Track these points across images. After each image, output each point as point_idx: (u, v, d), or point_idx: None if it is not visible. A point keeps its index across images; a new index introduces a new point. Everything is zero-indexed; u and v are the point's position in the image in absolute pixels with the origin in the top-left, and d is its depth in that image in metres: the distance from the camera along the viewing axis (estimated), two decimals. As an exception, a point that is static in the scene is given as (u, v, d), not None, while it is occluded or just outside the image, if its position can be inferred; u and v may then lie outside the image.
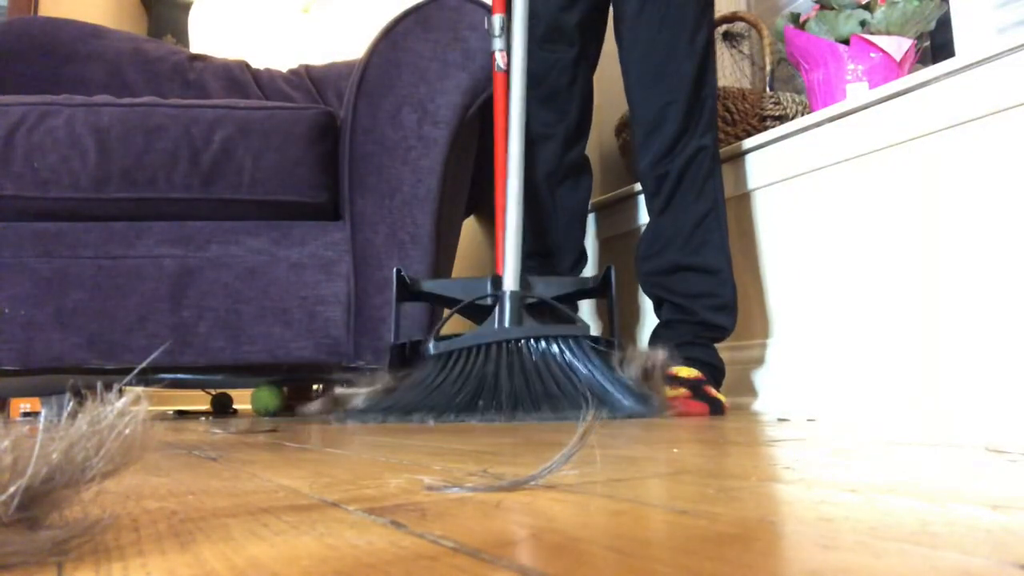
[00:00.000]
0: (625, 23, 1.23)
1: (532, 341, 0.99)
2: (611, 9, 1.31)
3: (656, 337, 1.22)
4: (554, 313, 1.11)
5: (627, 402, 0.91)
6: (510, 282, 1.05)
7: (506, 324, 1.03)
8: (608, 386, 0.94)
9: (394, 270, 1.18)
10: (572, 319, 1.07)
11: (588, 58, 1.34)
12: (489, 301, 1.11)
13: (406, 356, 1.11)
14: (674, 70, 1.17)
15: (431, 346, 0.99)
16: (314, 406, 1.16)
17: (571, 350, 0.98)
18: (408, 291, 1.18)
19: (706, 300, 1.17)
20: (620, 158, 1.68)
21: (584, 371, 0.96)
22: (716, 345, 1.19)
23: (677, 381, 1.12)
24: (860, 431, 0.68)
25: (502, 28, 1.26)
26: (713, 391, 1.11)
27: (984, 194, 0.98)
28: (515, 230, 1.08)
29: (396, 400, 0.96)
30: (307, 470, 0.42)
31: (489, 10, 1.30)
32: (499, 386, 0.94)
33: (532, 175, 1.31)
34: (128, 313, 1.22)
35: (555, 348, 0.99)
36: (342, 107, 1.38)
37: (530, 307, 1.08)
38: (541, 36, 1.28)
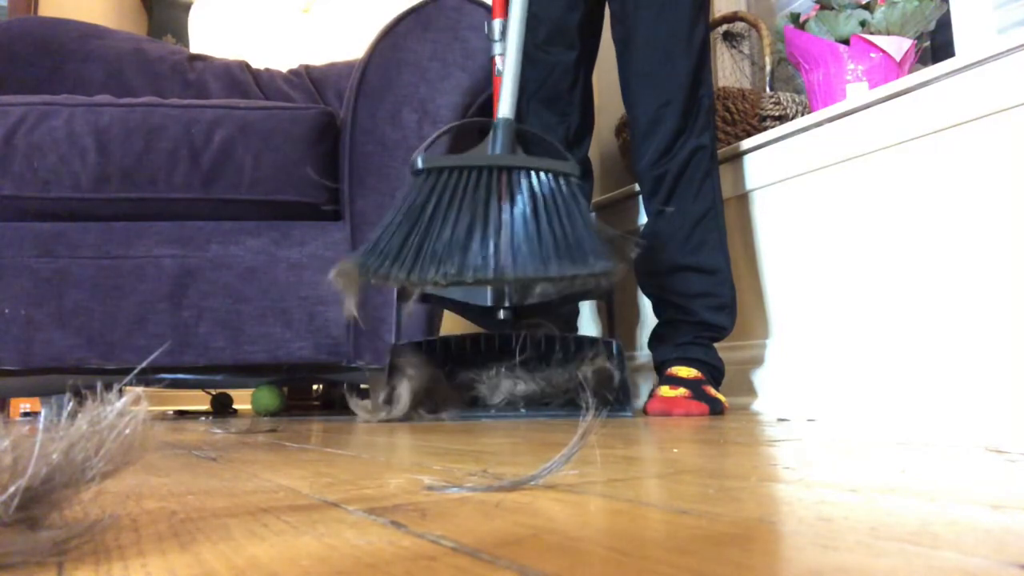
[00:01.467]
0: (621, 23, 1.23)
1: (523, 173, 0.94)
2: (607, 9, 1.31)
3: (655, 337, 1.22)
4: (550, 148, 1.06)
5: (596, 260, 0.88)
6: (506, 110, 1.01)
7: (498, 151, 0.98)
8: (584, 235, 0.90)
9: None
10: (563, 155, 1.02)
11: (587, 59, 1.34)
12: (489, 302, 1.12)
13: (408, 356, 1.11)
14: (670, 70, 1.17)
15: (419, 159, 0.94)
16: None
17: (558, 187, 0.94)
18: (409, 292, 1.18)
19: (705, 300, 1.17)
20: (620, 158, 1.68)
21: (566, 214, 0.92)
22: (715, 345, 1.19)
23: (677, 381, 1.12)
24: (860, 431, 0.68)
25: (502, 32, 1.26)
26: (713, 391, 1.11)
27: (984, 194, 0.98)
28: (514, 61, 1.03)
29: (394, 243, 0.90)
30: (307, 470, 0.42)
31: (489, 11, 1.31)
32: (488, 224, 0.89)
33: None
34: (128, 313, 1.22)
35: (543, 184, 0.94)
36: (342, 107, 1.38)
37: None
38: (543, 39, 1.28)
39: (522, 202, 0.91)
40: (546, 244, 0.88)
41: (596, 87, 1.43)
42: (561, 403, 1.10)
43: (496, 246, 0.87)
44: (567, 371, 1.10)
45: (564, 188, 0.95)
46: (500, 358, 1.12)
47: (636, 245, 1.02)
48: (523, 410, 1.07)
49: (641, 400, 1.14)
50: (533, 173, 0.94)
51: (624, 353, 1.07)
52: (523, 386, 1.09)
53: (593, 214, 0.99)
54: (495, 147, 0.98)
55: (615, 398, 1.04)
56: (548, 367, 1.11)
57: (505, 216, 0.90)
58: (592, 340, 1.12)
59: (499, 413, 1.06)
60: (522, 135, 1.01)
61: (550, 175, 0.94)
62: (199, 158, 1.24)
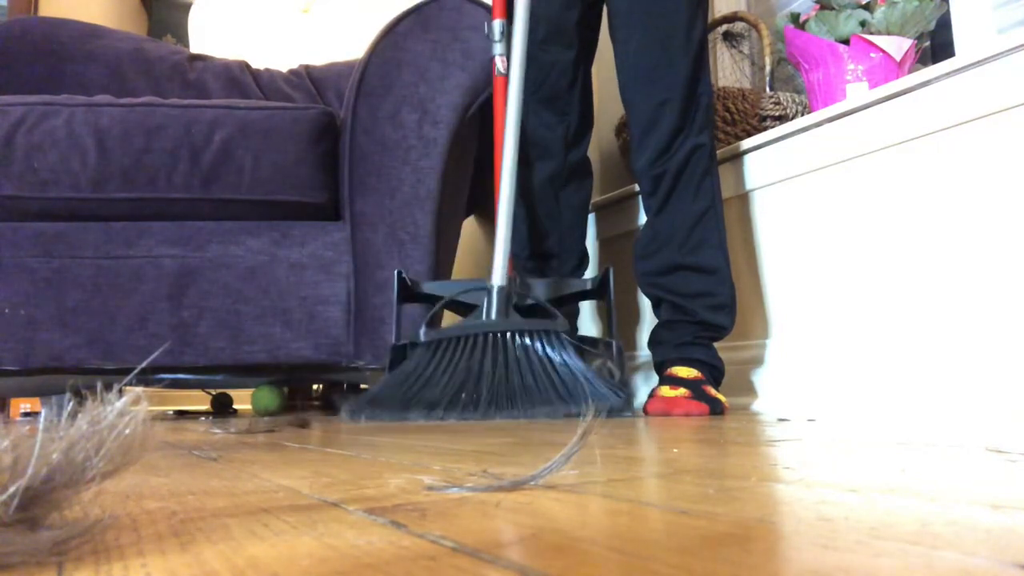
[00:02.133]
0: (619, 20, 1.22)
1: (515, 334, 1.05)
2: (605, 8, 1.31)
3: (655, 337, 1.22)
4: (542, 311, 1.16)
5: (601, 393, 0.98)
6: (497, 278, 1.10)
7: (492, 317, 1.08)
8: (580, 379, 1.00)
9: (395, 272, 1.18)
10: (553, 315, 1.11)
11: (586, 58, 1.34)
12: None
13: (407, 356, 1.11)
14: (669, 68, 1.17)
15: (422, 333, 1.06)
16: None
17: (550, 344, 1.04)
18: (409, 292, 1.18)
19: (705, 299, 1.17)
20: (620, 158, 1.68)
21: (560, 364, 1.02)
22: (715, 345, 1.19)
23: (677, 381, 1.12)
24: (860, 431, 0.68)
25: (502, 33, 1.27)
26: (713, 391, 1.11)
27: (984, 194, 0.98)
28: (504, 227, 1.12)
29: (389, 394, 1.01)
30: (307, 470, 0.42)
31: (489, 11, 1.31)
32: (482, 378, 1.00)
33: (534, 178, 1.31)
34: (128, 313, 1.22)
35: (536, 342, 1.04)
36: (342, 107, 1.38)
37: (521, 306, 1.13)
38: (542, 38, 1.28)
39: (516, 358, 1.02)
40: (541, 390, 0.98)
41: (596, 87, 1.43)
42: (563, 403, 1.10)
43: (487, 392, 0.98)
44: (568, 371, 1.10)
45: (555, 343, 1.04)
46: (500, 358, 1.12)
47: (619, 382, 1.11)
48: (524, 411, 1.07)
49: (641, 400, 1.14)
50: (525, 334, 1.05)
51: (624, 353, 1.07)
52: (522, 386, 1.09)
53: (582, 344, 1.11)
54: (489, 313, 1.08)
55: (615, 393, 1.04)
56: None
57: (499, 370, 1.00)
58: (592, 340, 1.12)
59: (497, 412, 1.06)
60: (513, 297, 1.12)
61: (541, 334, 1.05)
62: (199, 158, 1.24)
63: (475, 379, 1.00)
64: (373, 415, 0.99)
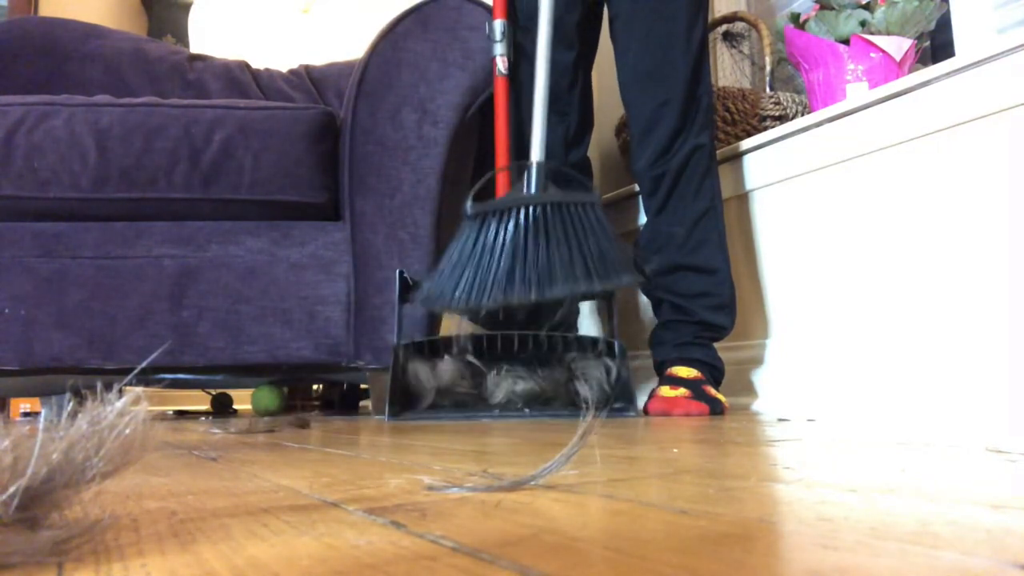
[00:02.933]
0: (619, 21, 1.23)
1: (554, 206, 1.09)
2: (606, 9, 1.31)
3: (656, 337, 1.22)
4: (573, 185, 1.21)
5: (622, 275, 1.06)
6: (537, 153, 1.14)
7: (533, 191, 1.12)
8: (609, 254, 1.06)
9: (397, 271, 1.18)
10: (588, 187, 1.17)
11: (586, 59, 1.34)
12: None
13: (408, 356, 1.11)
14: (669, 69, 1.17)
15: (468, 206, 1.10)
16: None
17: (586, 215, 1.09)
18: (411, 292, 1.18)
19: (705, 300, 1.17)
20: (620, 158, 1.68)
21: (594, 237, 1.07)
22: (715, 345, 1.19)
23: (677, 381, 1.12)
24: (860, 431, 0.68)
25: (503, 33, 1.27)
26: (713, 391, 1.11)
27: (984, 194, 0.98)
28: (542, 105, 1.16)
29: (447, 280, 1.07)
30: (307, 470, 0.42)
31: (490, 11, 1.30)
32: (527, 252, 1.05)
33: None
34: (128, 313, 1.22)
35: (573, 213, 1.09)
36: (342, 107, 1.38)
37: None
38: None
39: (556, 231, 1.07)
40: (578, 265, 1.03)
41: (596, 87, 1.43)
42: (564, 403, 1.10)
43: (536, 272, 1.03)
44: (569, 371, 1.10)
45: (592, 215, 1.09)
46: (502, 358, 1.12)
47: (650, 260, 1.20)
48: (526, 411, 1.08)
49: (641, 400, 1.14)
50: (563, 206, 1.09)
51: (627, 353, 1.07)
52: (523, 385, 1.09)
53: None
54: (530, 187, 1.13)
55: (618, 398, 1.05)
56: (550, 367, 1.12)
57: (542, 245, 1.05)
58: (594, 340, 1.12)
59: (502, 413, 1.06)
60: (553, 173, 1.16)
61: (578, 206, 1.09)
62: (199, 158, 1.24)
63: (523, 256, 1.05)
64: (442, 302, 1.06)
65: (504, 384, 1.10)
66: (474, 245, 1.07)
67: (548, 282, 1.01)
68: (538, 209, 1.07)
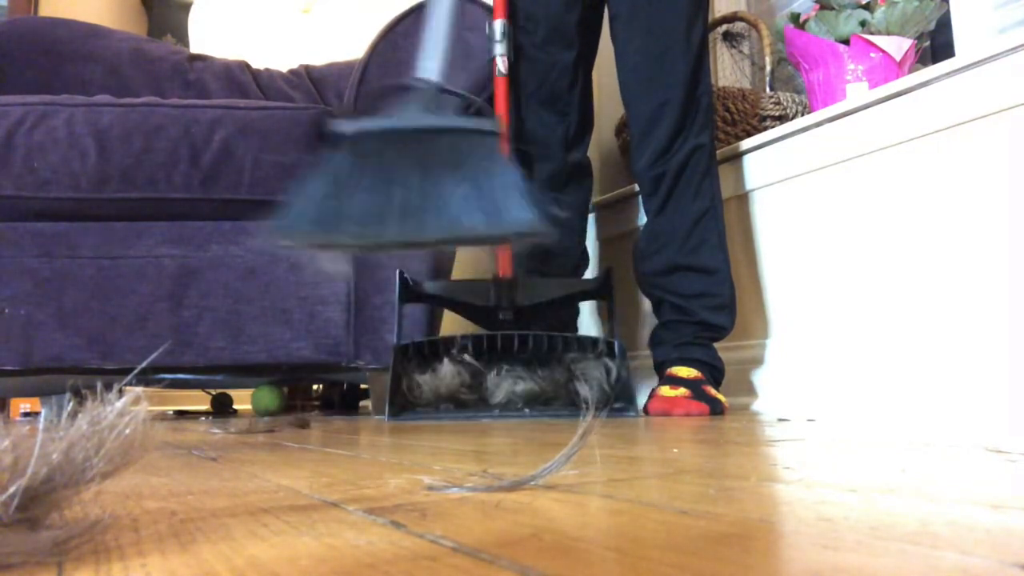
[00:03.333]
0: (619, 21, 1.23)
1: (439, 132, 0.90)
2: (606, 9, 1.31)
3: (656, 337, 1.22)
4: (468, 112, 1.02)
5: (522, 217, 0.81)
6: (432, 70, 0.95)
7: (417, 111, 0.92)
8: (504, 194, 0.83)
9: (397, 272, 1.18)
10: (488, 114, 0.99)
11: (586, 59, 1.34)
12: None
13: (408, 356, 1.11)
14: (669, 69, 1.17)
15: (332, 125, 0.89)
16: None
17: (478, 145, 0.88)
18: (411, 293, 1.18)
19: (705, 300, 1.17)
20: (620, 158, 1.68)
21: (485, 172, 0.86)
22: (715, 345, 1.19)
23: (677, 381, 1.12)
24: (860, 431, 0.68)
25: (503, 33, 1.27)
26: (713, 391, 1.11)
27: (984, 194, 0.98)
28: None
29: (307, 208, 0.87)
30: (307, 470, 0.42)
31: (490, 11, 1.31)
32: (407, 185, 0.84)
33: (535, 177, 1.31)
34: (128, 313, 1.22)
35: (463, 142, 0.89)
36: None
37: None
38: (542, 39, 1.28)
39: (442, 162, 0.86)
40: (463, 203, 0.83)
41: (596, 87, 1.43)
42: (564, 403, 1.11)
43: (412, 208, 0.83)
44: (569, 371, 1.10)
45: (485, 145, 0.88)
46: (502, 358, 1.12)
47: (558, 207, 0.97)
48: (527, 411, 1.08)
49: (641, 400, 1.14)
50: (452, 133, 0.89)
51: (626, 353, 1.07)
52: (523, 386, 1.09)
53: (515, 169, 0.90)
54: (414, 107, 0.93)
55: (618, 398, 1.05)
56: (550, 367, 1.12)
57: (424, 178, 0.85)
58: (594, 340, 1.13)
59: (502, 413, 1.06)
60: (446, 97, 0.97)
61: (470, 134, 0.89)
62: (199, 158, 1.24)
63: (400, 189, 0.84)
64: (306, 235, 0.88)
65: (504, 384, 1.10)
66: (339, 171, 0.87)
67: (425, 220, 0.82)
68: (421, 134, 0.89)
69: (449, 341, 1.12)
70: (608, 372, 1.08)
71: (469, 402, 1.10)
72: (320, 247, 0.89)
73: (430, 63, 0.95)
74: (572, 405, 1.10)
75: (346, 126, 0.88)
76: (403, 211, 0.82)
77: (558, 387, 1.10)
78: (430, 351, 1.12)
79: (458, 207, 0.81)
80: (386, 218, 0.82)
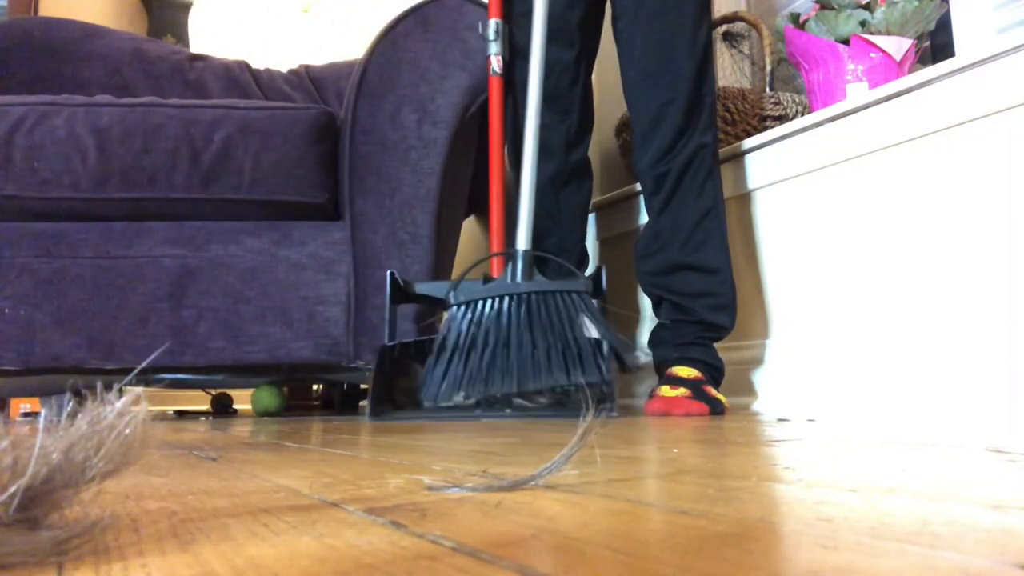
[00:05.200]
0: (623, 20, 1.22)
1: (540, 295, 1.09)
2: (608, 7, 1.31)
3: (656, 337, 1.22)
4: (560, 272, 1.22)
5: (598, 371, 1.03)
6: (523, 242, 1.15)
7: (518, 279, 1.12)
8: (590, 347, 1.05)
9: (388, 272, 1.18)
10: (576, 275, 1.16)
11: (587, 58, 1.34)
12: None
13: (396, 358, 1.12)
14: (674, 68, 1.17)
15: (452, 295, 1.11)
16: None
17: (571, 304, 1.09)
18: (402, 293, 1.19)
19: (706, 299, 1.17)
20: (620, 158, 1.68)
21: (576, 327, 1.07)
22: (716, 344, 1.19)
23: (677, 381, 1.12)
24: (860, 431, 0.68)
25: (497, 32, 1.27)
26: (713, 391, 1.11)
27: (984, 194, 0.98)
28: (528, 193, 1.17)
29: (438, 374, 1.06)
30: (307, 470, 0.42)
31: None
32: (510, 343, 1.06)
33: (536, 178, 1.31)
34: (128, 313, 1.22)
35: (557, 302, 1.09)
36: (342, 107, 1.38)
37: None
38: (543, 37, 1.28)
39: (539, 321, 1.07)
40: (556, 357, 1.04)
41: (596, 87, 1.43)
42: (549, 403, 1.11)
43: (517, 364, 1.04)
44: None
45: (576, 303, 1.09)
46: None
47: (637, 354, 1.24)
48: (507, 411, 1.09)
49: (641, 400, 1.14)
50: (547, 295, 1.09)
51: (612, 351, 1.07)
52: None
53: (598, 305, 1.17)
54: (515, 275, 1.13)
55: (603, 396, 1.05)
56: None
57: (525, 336, 1.06)
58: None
59: (484, 413, 1.07)
60: (539, 260, 1.17)
61: (563, 294, 1.09)
62: (199, 158, 1.24)
63: (504, 347, 1.05)
64: (440, 398, 1.06)
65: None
66: (458, 336, 1.08)
67: (528, 374, 1.03)
68: (522, 298, 1.08)
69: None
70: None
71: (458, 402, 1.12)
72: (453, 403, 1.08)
73: (523, 236, 1.15)
74: (559, 404, 1.11)
75: (456, 297, 1.11)
76: (509, 369, 1.04)
77: (545, 388, 1.12)
78: (417, 352, 1.13)
79: (552, 364, 1.03)
80: (496, 375, 1.04)
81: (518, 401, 1.12)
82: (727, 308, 1.17)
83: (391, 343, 1.14)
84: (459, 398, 1.05)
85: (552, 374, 1.02)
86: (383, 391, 1.11)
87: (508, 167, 1.35)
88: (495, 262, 1.22)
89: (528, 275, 1.13)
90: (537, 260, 1.17)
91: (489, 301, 1.09)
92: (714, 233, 1.18)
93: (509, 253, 1.16)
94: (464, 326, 1.08)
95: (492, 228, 1.25)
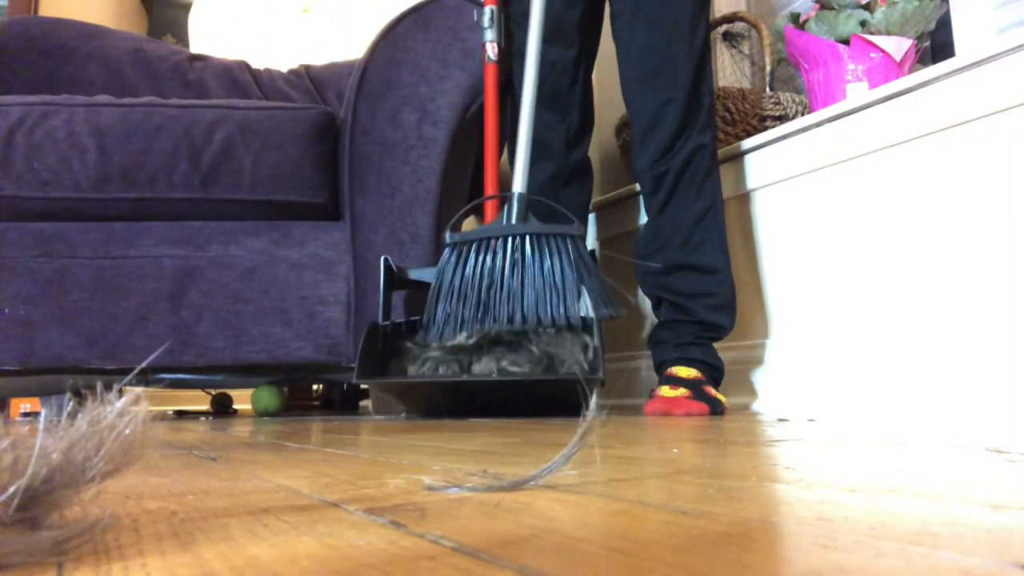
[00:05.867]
0: (622, 20, 1.22)
1: (534, 237, 1.11)
2: (607, 7, 1.31)
3: (655, 337, 1.22)
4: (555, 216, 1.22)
5: (598, 308, 1.06)
6: (519, 185, 1.16)
7: (513, 221, 1.13)
8: (590, 288, 1.07)
9: (382, 258, 1.18)
10: (571, 220, 1.16)
11: (587, 58, 1.34)
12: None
13: (385, 338, 1.14)
14: (672, 68, 1.17)
15: (448, 236, 1.13)
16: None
17: (565, 247, 1.10)
18: (396, 279, 1.19)
19: (705, 299, 1.17)
20: (620, 158, 1.68)
21: (571, 270, 1.08)
22: (715, 344, 1.19)
23: (677, 381, 1.12)
24: (860, 431, 0.68)
25: (491, 19, 1.27)
26: (713, 391, 1.11)
27: (984, 194, 0.98)
28: (526, 138, 1.17)
29: (435, 314, 1.10)
30: (307, 470, 0.42)
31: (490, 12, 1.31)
32: (504, 283, 1.08)
33: (535, 178, 1.31)
34: (128, 313, 1.22)
35: (552, 245, 1.10)
36: (342, 107, 1.38)
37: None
38: (543, 37, 1.28)
39: (534, 263, 1.09)
40: (552, 296, 1.06)
41: (596, 87, 1.43)
42: (538, 365, 1.11)
43: (511, 303, 1.06)
44: (547, 346, 1.11)
45: (571, 248, 1.10)
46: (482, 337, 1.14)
47: (632, 297, 1.25)
48: (493, 375, 1.08)
49: (641, 401, 1.14)
50: (542, 238, 1.10)
51: (600, 323, 1.07)
52: (505, 362, 1.10)
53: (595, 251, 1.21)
54: (510, 218, 1.14)
55: (590, 365, 1.05)
56: (529, 344, 1.12)
57: (518, 276, 1.08)
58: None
59: (472, 377, 1.07)
60: (533, 204, 1.18)
61: (557, 238, 1.10)
62: (199, 158, 1.24)
63: (499, 287, 1.08)
64: (442, 339, 1.08)
65: (484, 361, 1.10)
66: (453, 276, 1.10)
67: (523, 313, 1.05)
68: (516, 240, 1.10)
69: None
70: (585, 348, 1.09)
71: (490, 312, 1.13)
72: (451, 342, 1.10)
73: (519, 180, 1.16)
74: (548, 369, 1.11)
75: (451, 238, 1.12)
76: (504, 308, 1.06)
77: (537, 360, 1.11)
78: (408, 331, 1.13)
79: (548, 303, 1.05)
80: (494, 314, 1.06)
81: (505, 364, 1.11)
82: (726, 308, 1.17)
83: (384, 322, 1.15)
84: (461, 338, 1.07)
85: (550, 311, 1.04)
86: (371, 356, 1.13)
87: (509, 166, 1.35)
88: (490, 211, 1.24)
89: (523, 218, 1.14)
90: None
91: (485, 242, 1.11)
92: (713, 233, 1.18)
93: (504, 196, 1.18)
94: (462, 267, 1.10)
95: (487, 175, 1.26)
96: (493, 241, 1.11)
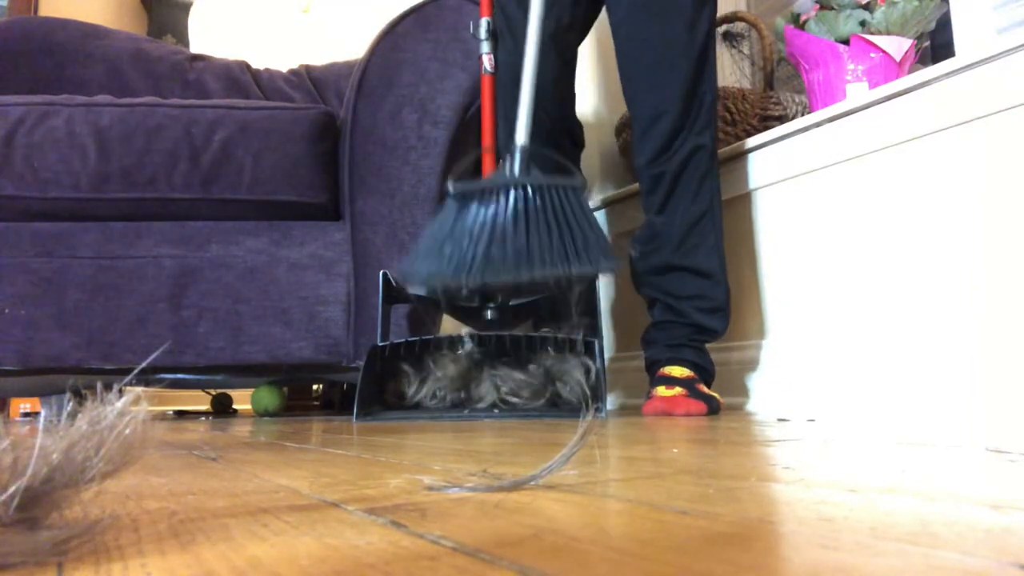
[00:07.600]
0: (619, 17, 1.22)
1: (536, 188, 1.08)
2: (605, 5, 1.30)
3: (648, 336, 1.22)
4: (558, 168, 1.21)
5: (600, 260, 1.04)
6: (522, 137, 1.14)
7: (516, 173, 1.11)
8: (589, 239, 1.05)
9: (380, 273, 1.18)
10: (572, 172, 1.15)
11: (571, 56, 1.33)
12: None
13: (387, 358, 1.12)
14: (671, 66, 1.16)
15: (450, 185, 1.10)
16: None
17: (567, 199, 1.08)
18: (394, 293, 1.18)
19: (698, 302, 1.16)
20: (620, 158, 1.68)
21: (574, 222, 1.06)
22: (712, 344, 1.19)
23: (672, 381, 1.12)
24: (859, 431, 0.68)
25: (488, 31, 1.26)
26: (706, 389, 1.12)
27: (984, 194, 0.98)
28: (529, 88, 1.15)
29: (428, 258, 1.06)
30: (307, 470, 0.42)
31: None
32: (506, 233, 1.05)
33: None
34: (128, 313, 1.22)
35: (554, 196, 1.08)
36: (342, 107, 1.38)
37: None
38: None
39: (537, 214, 1.06)
40: (556, 247, 1.03)
41: (596, 86, 1.42)
42: (541, 404, 1.11)
43: (515, 253, 1.02)
44: (548, 372, 1.11)
45: (573, 199, 1.08)
46: (483, 359, 1.13)
47: (632, 248, 1.21)
48: (495, 411, 1.09)
49: (640, 401, 1.14)
50: (545, 189, 1.08)
51: (603, 351, 1.07)
52: (506, 388, 1.10)
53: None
54: (512, 169, 1.12)
55: (591, 389, 1.05)
56: (531, 367, 1.13)
57: (521, 227, 1.04)
58: (572, 340, 1.13)
59: (471, 414, 1.07)
60: (536, 156, 1.16)
61: (559, 189, 1.08)
62: (199, 158, 1.24)
63: (501, 236, 1.04)
64: (426, 279, 1.06)
65: (485, 386, 1.11)
66: (454, 224, 1.06)
67: (527, 263, 1.01)
68: (519, 191, 1.07)
69: (429, 343, 1.13)
70: (587, 372, 1.09)
71: (450, 402, 1.12)
72: (444, 289, 1.08)
73: (522, 131, 1.13)
74: (553, 406, 1.11)
75: (454, 187, 1.09)
76: (506, 258, 1.03)
77: (537, 390, 1.11)
78: (407, 353, 1.13)
79: (553, 254, 1.02)
80: (494, 264, 1.02)
81: (507, 396, 1.11)
82: (719, 312, 1.17)
83: (382, 344, 1.13)
84: (454, 285, 1.04)
85: (554, 262, 1.02)
86: (371, 392, 1.11)
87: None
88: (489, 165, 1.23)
89: (526, 170, 1.12)
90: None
91: (486, 194, 1.08)
92: (709, 236, 1.18)
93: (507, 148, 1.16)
94: (458, 217, 1.07)
95: (484, 128, 1.25)
96: (496, 192, 1.08)
